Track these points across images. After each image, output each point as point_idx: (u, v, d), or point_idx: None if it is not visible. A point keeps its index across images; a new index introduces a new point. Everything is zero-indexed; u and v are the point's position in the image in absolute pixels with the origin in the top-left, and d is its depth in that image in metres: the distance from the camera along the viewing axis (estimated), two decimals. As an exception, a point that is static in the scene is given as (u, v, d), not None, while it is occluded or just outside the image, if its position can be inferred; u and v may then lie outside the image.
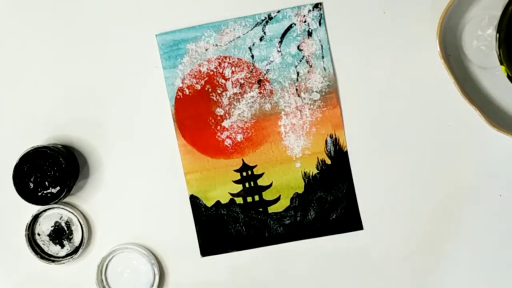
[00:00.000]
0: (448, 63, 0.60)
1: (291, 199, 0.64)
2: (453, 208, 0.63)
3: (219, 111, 0.63)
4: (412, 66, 0.62)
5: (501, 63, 0.58)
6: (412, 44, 0.62)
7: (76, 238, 0.63)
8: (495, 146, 0.62)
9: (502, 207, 0.63)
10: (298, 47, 0.63)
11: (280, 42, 0.63)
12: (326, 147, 0.64)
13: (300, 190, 0.64)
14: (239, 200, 0.64)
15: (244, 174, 0.64)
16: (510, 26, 0.57)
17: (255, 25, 0.63)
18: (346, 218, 0.63)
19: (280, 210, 0.64)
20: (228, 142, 0.64)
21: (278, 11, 0.62)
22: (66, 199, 0.63)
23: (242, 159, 0.64)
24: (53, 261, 0.63)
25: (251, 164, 0.64)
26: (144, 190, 0.63)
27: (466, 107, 0.60)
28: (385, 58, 0.62)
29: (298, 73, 0.63)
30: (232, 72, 0.63)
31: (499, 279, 0.64)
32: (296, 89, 0.63)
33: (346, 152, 0.63)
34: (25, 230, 0.62)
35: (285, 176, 0.64)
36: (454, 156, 0.63)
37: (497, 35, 0.57)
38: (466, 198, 0.63)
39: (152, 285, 0.63)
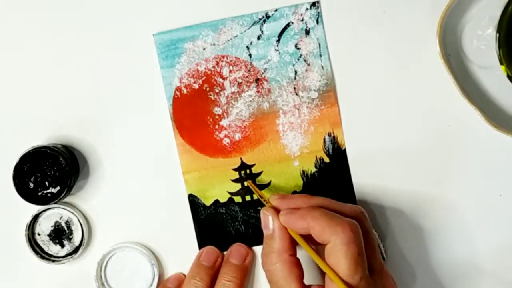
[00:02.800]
0: (448, 63, 0.59)
1: (290, 198, 0.64)
2: (453, 208, 0.63)
3: (217, 110, 0.63)
4: (411, 65, 0.61)
5: (501, 63, 0.58)
6: (411, 44, 0.61)
7: (76, 238, 0.64)
8: (495, 146, 0.62)
9: (502, 207, 0.62)
10: (295, 46, 0.62)
11: (278, 40, 0.62)
12: (325, 145, 0.63)
13: (299, 188, 0.64)
14: (237, 199, 0.64)
15: (243, 173, 0.64)
16: (510, 26, 0.56)
17: (253, 24, 0.62)
18: (345, 217, 0.63)
19: (279, 208, 0.64)
20: (226, 141, 0.64)
21: (276, 10, 0.62)
22: (66, 199, 0.63)
23: (241, 158, 0.64)
24: (53, 261, 0.63)
25: (249, 163, 0.64)
26: (143, 189, 0.64)
27: (466, 107, 0.59)
28: (384, 57, 0.62)
29: (296, 72, 0.63)
30: (230, 71, 0.63)
31: (499, 280, 0.64)
32: (294, 88, 0.63)
33: (345, 150, 0.63)
34: (25, 230, 0.63)
35: (283, 174, 0.64)
36: (454, 156, 0.62)
37: (497, 35, 0.57)
38: (466, 198, 0.63)
39: (151, 285, 0.64)
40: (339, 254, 0.52)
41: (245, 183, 0.63)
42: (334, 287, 0.52)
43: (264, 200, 0.60)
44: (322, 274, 0.54)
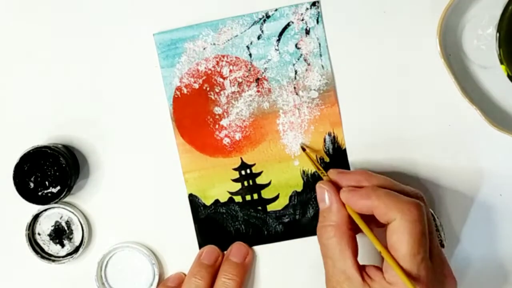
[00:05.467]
0: (448, 63, 0.59)
1: (290, 198, 0.64)
2: (453, 207, 0.63)
3: (217, 110, 0.63)
4: (411, 65, 0.61)
5: (501, 63, 0.58)
6: (412, 44, 0.61)
7: (77, 237, 0.64)
8: (495, 146, 0.62)
9: (502, 207, 0.63)
10: (296, 46, 0.62)
11: (278, 40, 0.62)
12: (325, 145, 0.63)
13: (299, 188, 0.64)
14: (238, 199, 0.64)
15: (243, 172, 0.64)
16: (510, 26, 0.56)
17: (253, 24, 0.62)
18: (345, 217, 0.63)
19: (279, 208, 0.64)
20: (226, 140, 0.64)
21: (276, 10, 0.62)
22: (67, 199, 0.63)
23: (241, 158, 0.64)
24: (53, 260, 0.63)
25: (249, 163, 0.64)
26: (143, 189, 0.64)
27: (466, 107, 0.59)
28: (384, 57, 0.62)
29: (296, 72, 0.63)
30: (230, 71, 0.63)
31: (499, 280, 0.64)
32: (294, 87, 0.63)
33: (345, 150, 0.63)
34: (25, 230, 0.63)
35: (283, 174, 0.64)
36: (454, 156, 0.62)
37: (497, 35, 0.57)
38: (466, 198, 0.63)
39: (151, 285, 0.63)
40: (404, 232, 0.52)
41: (304, 149, 0.62)
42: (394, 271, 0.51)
43: (322, 173, 0.59)
44: (376, 257, 0.54)
